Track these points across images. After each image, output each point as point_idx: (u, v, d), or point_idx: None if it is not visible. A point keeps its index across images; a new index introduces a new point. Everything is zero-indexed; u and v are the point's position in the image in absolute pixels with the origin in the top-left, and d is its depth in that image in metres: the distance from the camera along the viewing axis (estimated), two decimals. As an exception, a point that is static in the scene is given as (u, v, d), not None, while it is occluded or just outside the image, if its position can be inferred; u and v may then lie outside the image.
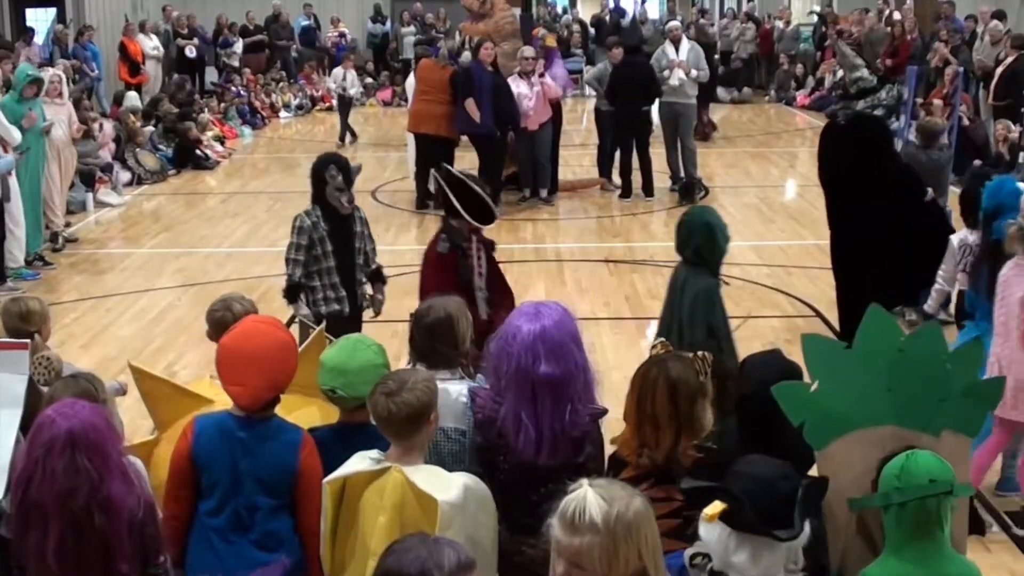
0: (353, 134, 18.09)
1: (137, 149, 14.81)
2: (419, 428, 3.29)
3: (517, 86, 12.25)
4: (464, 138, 12.63)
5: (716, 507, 2.71)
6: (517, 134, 12.23)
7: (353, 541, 3.32)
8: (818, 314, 8.68)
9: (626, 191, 13.02)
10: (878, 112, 8.04)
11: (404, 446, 3.30)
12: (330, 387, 3.65)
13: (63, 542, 3.01)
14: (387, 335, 8.29)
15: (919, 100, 14.01)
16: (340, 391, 3.63)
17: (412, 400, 3.24)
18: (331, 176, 5.88)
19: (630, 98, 12.51)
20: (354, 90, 18.91)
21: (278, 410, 3.65)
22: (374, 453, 3.32)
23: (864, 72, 8.28)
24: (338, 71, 18.76)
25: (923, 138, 8.66)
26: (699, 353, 3.54)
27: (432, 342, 3.85)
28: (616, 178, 13.32)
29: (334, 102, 19.82)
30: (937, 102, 13.77)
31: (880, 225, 7.27)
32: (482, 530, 3.27)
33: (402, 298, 9.42)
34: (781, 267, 10.12)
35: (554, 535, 2.47)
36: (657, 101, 13.15)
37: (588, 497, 2.45)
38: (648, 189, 12.97)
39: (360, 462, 3.31)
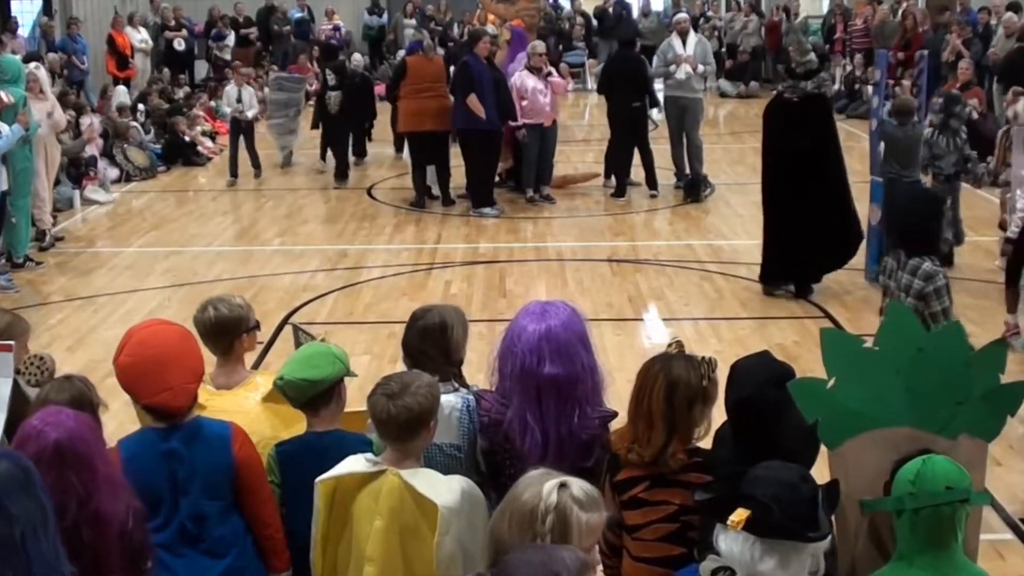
0: (257, 165, 14.34)
1: (126, 145, 14.56)
2: (417, 433, 3.24)
3: (531, 82, 12.04)
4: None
5: (741, 514, 2.66)
6: (529, 130, 12.05)
7: (345, 545, 3.27)
8: (827, 314, 8.51)
9: (620, 190, 12.67)
10: (824, 89, 9.32)
11: (400, 450, 3.25)
12: (279, 375, 3.60)
13: None
14: (384, 335, 8.13)
15: (890, 82, 13.96)
16: (286, 375, 3.56)
17: (413, 404, 3.20)
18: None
19: (622, 93, 12.27)
20: (252, 111, 14.35)
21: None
22: (369, 455, 3.29)
23: (812, 56, 8.94)
24: (230, 89, 14.60)
25: (899, 116, 9.14)
26: (705, 356, 3.45)
27: (422, 345, 3.76)
28: (614, 177, 13.07)
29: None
30: (905, 83, 13.75)
31: (825, 190, 8.56)
32: (475, 535, 3.21)
33: (398, 299, 9.29)
34: (789, 266, 9.87)
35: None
36: (662, 96, 12.92)
37: (572, 480, 2.71)
38: (652, 183, 12.64)
39: (355, 463, 3.28)
